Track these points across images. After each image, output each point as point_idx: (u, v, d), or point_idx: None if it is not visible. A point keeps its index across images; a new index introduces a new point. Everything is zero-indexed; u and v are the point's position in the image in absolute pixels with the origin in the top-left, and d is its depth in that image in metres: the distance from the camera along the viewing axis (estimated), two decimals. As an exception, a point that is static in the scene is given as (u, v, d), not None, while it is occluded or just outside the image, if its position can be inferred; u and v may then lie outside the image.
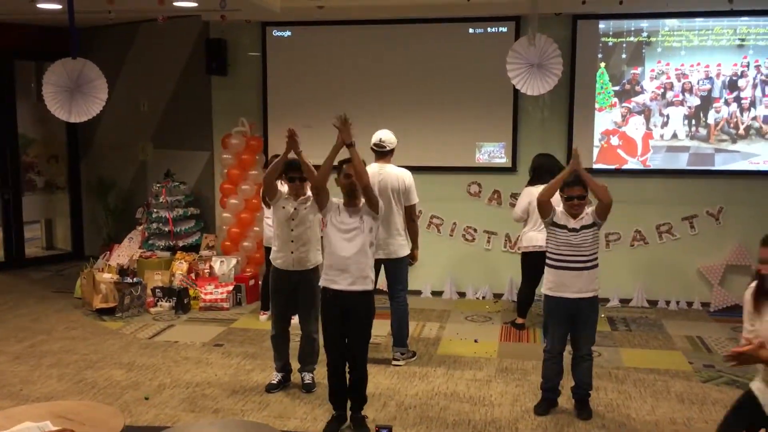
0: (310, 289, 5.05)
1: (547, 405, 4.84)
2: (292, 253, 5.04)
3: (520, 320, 6.61)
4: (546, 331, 4.91)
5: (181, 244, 7.99)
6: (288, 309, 5.19)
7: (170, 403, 4.95)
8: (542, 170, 6.24)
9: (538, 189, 6.17)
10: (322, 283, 4.57)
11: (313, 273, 5.05)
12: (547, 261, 4.75)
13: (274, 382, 5.22)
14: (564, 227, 4.63)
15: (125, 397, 5.06)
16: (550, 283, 4.72)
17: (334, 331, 4.53)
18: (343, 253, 4.43)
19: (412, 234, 5.73)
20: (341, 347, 4.53)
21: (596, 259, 4.69)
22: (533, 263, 6.18)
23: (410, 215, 5.67)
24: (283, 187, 5.12)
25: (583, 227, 4.62)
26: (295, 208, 5.01)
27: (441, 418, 4.74)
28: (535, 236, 6.23)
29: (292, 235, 5.03)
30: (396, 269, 5.68)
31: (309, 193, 5.02)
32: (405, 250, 5.67)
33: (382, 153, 5.68)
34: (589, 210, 4.69)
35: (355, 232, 4.44)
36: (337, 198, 4.61)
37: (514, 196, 7.26)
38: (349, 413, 4.60)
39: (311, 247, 5.09)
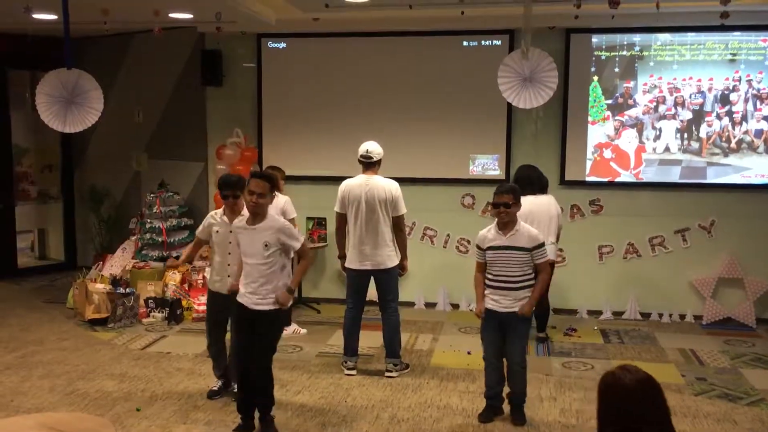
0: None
1: (490, 412, 4.88)
2: (229, 276, 5.01)
3: (540, 334, 6.58)
4: (483, 341, 4.95)
5: (174, 254, 7.97)
6: (222, 326, 5.18)
7: (162, 415, 4.93)
8: (523, 182, 6.25)
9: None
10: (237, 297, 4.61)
11: None
12: (486, 279, 4.84)
13: (215, 388, 5.27)
14: (495, 248, 4.71)
15: (117, 408, 5.03)
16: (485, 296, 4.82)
17: (241, 341, 4.59)
18: (251, 275, 4.50)
19: (401, 244, 5.74)
20: (247, 356, 4.58)
21: (529, 280, 4.73)
22: None
23: (398, 226, 5.68)
24: (215, 216, 5.10)
25: (515, 248, 4.67)
26: (230, 231, 4.95)
27: (434, 430, 4.73)
28: None
29: (229, 258, 5.01)
30: (385, 280, 5.68)
31: (245, 212, 5.00)
32: (393, 261, 5.67)
33: (370, 164, 5.69)
34: (525, 230, 4.71)
35: (259, 255, 4.48)
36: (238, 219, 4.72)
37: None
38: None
39: None
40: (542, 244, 4.74)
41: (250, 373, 4.58)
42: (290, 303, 4.70)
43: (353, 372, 5.70)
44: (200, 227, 5.22)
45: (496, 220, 4.78)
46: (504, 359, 4.84)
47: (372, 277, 5.68)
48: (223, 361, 5.28)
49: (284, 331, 5.28)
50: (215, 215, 5.12)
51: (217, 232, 5.06)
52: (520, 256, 4.68)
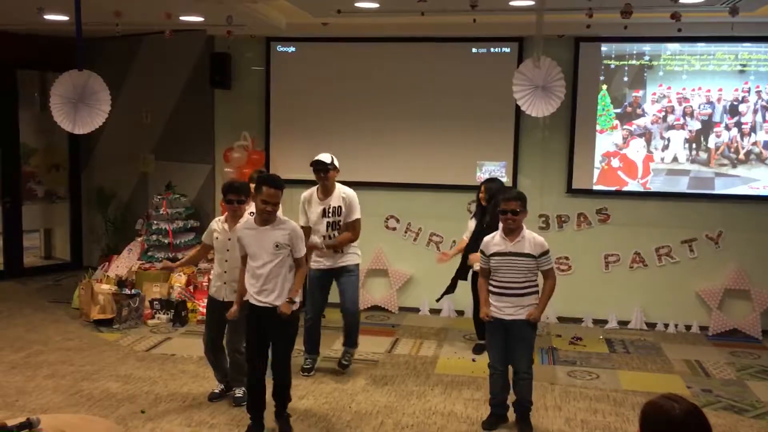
0: (240, 317, 5.02)
1: (494, 420, 4.88)
2: (224, 283, 5.04)
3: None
4: (488, 348, 4.96)
5: (180, 256, 7.97)
6: (220, 331, 5.17)
7: (166, 417, 4.93)
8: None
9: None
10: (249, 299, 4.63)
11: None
12: (489, 285, 4.82)
13: (217, 391, 5.30)
14: (500, 254, 4.69)
15: (121, 410, 5.03)
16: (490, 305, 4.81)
17: (255, 343, 4.63)
18: (262, 270, 4.50)
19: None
20: (263, 358, 4.65)
21: (534, 286, 4.71)
22: None
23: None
24: (218, 222, 5.13)
25: (520, 254, 4.66)
26: (229, 239, 4.98)
27: (438, 437, 4.72)
28: None
29: (225, 265, 5.04)
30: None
31: (246, 218, 4.99)
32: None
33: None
34: (530, 237, 4.70)
35: (272, 252, 4.50)
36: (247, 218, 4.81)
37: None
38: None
39: None
40: (548, 251, 4.72)
41: (273, 370, 4.64)
42: (292, 310, 4.69)
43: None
44: (206, 232, 5.25)
45: (501, 226, 4.76)
46: (510, 367, 4.83)
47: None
48: (223, 365, 5.29)
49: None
50: (218, 221, 5.15)
51: (217, 238, 5.09)
52: (525, 263, 4.66)
